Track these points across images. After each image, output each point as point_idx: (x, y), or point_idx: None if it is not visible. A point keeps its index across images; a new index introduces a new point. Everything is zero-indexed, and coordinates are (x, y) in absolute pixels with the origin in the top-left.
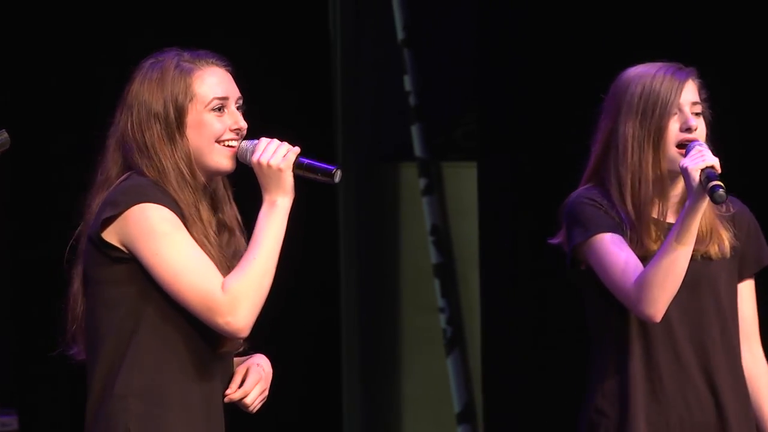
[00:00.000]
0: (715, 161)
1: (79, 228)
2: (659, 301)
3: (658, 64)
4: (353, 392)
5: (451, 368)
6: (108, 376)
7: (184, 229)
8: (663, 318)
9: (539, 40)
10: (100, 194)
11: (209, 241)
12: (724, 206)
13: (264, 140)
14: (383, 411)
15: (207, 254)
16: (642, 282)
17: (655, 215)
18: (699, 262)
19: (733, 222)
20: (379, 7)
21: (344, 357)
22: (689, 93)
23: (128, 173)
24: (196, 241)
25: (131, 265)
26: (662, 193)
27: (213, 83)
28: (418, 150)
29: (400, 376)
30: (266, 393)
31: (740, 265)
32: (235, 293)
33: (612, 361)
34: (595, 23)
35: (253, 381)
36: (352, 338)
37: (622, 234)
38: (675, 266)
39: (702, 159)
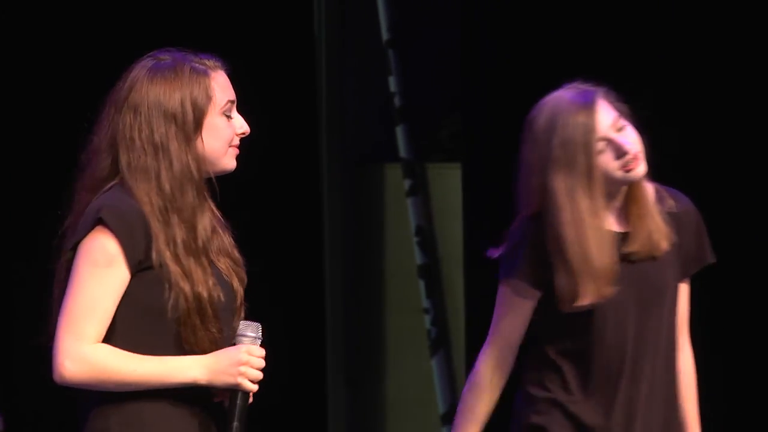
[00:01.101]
0: None
1: (65, 227)
2: None
3: (565, 96)
4: (338, 393)
5: (435, 369)
6: (87, 392)
7: (116, 268)
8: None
9: (524, 42)
10: (87, 196)
11: (202, 247)
12: (667, 202)
13: (258, 351)
14: (368, 412)
15: (195, 261)
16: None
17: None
18: (647, 263)
19: (678, 220)
20: (364, 7)
21: (329, 358)
22: (605, 116)
23: (112, 183)
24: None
25: None
26: (606, 207)
27: (225, 85)
28: (402, 151)
29: (385, 377)
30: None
31: (684, 263)
32: (87, 359)
33: (549, 370)
34: (581, 25)
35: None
36: (336, 339)
37: (538, 289)
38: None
39: None
